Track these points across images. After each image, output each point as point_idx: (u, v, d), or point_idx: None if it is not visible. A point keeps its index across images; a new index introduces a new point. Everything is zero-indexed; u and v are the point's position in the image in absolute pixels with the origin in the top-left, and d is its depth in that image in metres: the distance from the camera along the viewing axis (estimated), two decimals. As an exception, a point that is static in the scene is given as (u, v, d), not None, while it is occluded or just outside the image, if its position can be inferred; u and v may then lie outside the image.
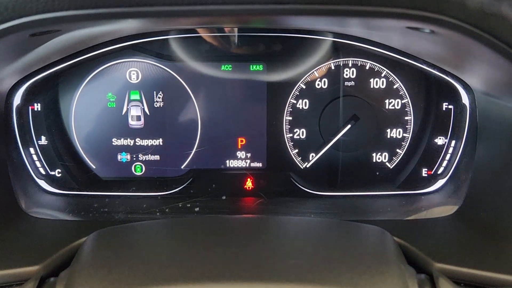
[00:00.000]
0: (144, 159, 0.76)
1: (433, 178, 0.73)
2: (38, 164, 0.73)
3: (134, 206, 0.71)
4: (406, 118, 0.74)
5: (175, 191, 0.75)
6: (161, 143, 0.75)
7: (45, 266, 0.54)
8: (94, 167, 0.76)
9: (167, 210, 0.69)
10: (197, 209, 0.69)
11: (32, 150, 0.72)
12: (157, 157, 0.76)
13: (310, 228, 0.58)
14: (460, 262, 0.51)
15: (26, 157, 0.71)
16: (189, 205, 0.71)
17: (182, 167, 0.76)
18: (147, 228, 0.59)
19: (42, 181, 0.72)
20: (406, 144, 0.74)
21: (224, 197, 0.74)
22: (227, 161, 0.76)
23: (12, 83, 0.66)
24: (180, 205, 0.70)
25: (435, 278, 0.48)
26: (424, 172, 0.74)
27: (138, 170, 0.76)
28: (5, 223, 0.62)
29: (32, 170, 0.71)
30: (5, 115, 0.67)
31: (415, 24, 0.45)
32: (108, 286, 0.44)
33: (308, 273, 0.46)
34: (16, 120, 0.69)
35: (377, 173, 0.75)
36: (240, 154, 0.75)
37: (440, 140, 0.73)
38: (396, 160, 0.75)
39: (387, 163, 0.75)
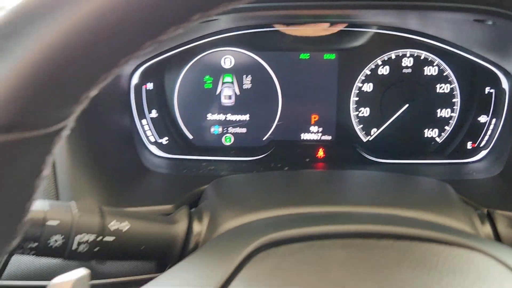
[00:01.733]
0: (233, 132, 0.91)
1: (477, 150, 0.87)
2: (149, 133, 0.89)
3: (226, 168, 0.86)
4: (453, 100, 0.88)
5: (259, 158, 0.90)
6: (247, 118, 0.91)
7: (176, 206, 0.69)
8: (191, 137, 0.91)
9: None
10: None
11: (144, 121, 0.88)
12: (244, 130, 0.91)
13: (380, 175, 0.73)
14: (507, 207, 0.64)
15: (140, 127, 0.87)
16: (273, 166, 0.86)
17: (264, 138, 0.91)
18: (257, 176, 0.74)
19: (153, 146, 0.89)
20: (453, 122, 0.89)
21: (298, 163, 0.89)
22: (302, 134, 0.91)
23: (134, 67, 0.82)
24: (272, 166, 0.86)
25: (491, 213, 0.61)
26: (469, 144, 0.88)
27: (228, 140, 0.92)
28: (135, 176, 0.77)
29: (145, 138, 0.88)
30: (127, 92, 0.83)
31: (484, 17, 0.59)
32: (246, 208, 0.59)
33: (384, 199, 0.59)
34: (134, 96, 0.85)
35: (428, 146, 0.90)
36: (313, 128, 0.91)
37: (482, 118, 0.87)
38: (445, 135, 0.90)
39: (436, 138, 0.90)
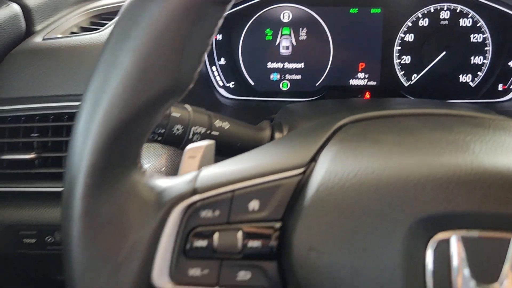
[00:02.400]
0: (289, 78, 1.04)
1: (507, 91, 0.99)
2: (218, 78, 1.02)
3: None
4: (486, 48, 1.00)
5: (312, 100, 1.03)
6: (302, 66, 1.04)
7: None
8: (253, 83, 1.05)
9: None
10: None
11: (214, 68, 1.02)
12: (299, 76, 1.04)
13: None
14: None
15: (211, 73, 1.01)
16: None
17: (317, 84, 1.04)
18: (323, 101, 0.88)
19: (222, 89, 1.02)
20: (485, 68, 1.01)
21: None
22: (350, 80, 1.04)
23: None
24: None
25: None
26: (500, 87, 1.00)
27: (285, 86, 1.05)
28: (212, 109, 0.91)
29: (215, 82, 1.02)
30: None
31: None
32: (323, 115, 0.71)
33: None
34: (205, 46, 0.99)
35: (463, 90, 1.02)
36: (360, 75, 1.03)
37: (512, 63, 0.99)
38: (478, 80, 1.01)
39: (470, 82, 1.02)
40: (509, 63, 0.99)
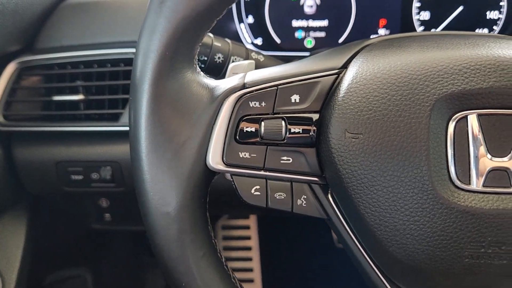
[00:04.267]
0: (313, 36, 1.10)
1: (522, 43, 1.04)
2: (246, 35, 1.09)
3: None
4: (501, 3, 1.05)
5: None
6: (326, 24, 1.10)
7: None
8: (279, 41, 1.11)
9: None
10: None
11: (242, 25, 1.08)
12: (323, 34, 1.10)
13: None
14: None
15: (240, 30, 1.07)
16: None
17: (340, 41, 1.10)
18: None
19: (250, 45, 1.09)
20: (501, 22, 1.06)
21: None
22: (372, 36, 1.09)
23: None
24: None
25: None
26: (514, 39, 1.05)
27: (309, 43, 1.11)
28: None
29: (244, 38, 1.08)
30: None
31: None
32: None
33: None
34: (236, 5, 1.06)
35: (479, 44, 1.07)
36: (381, 31, 1.09)
37: (526, 16, 1.04)
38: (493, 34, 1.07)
39: (486, 37, 1.07)
40: (524, 16, 1.03)
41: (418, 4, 1.07)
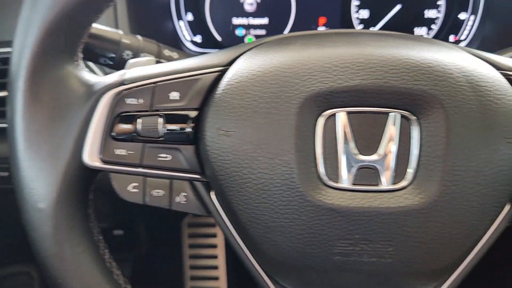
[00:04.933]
0: (254, 33, 1.10)
1: (458, 42, 1.05)
2: (185, 32, 1.09)
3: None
4: (438, 2, 1.05)
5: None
6: (266, 22, 1.09)
7: None
8: (220, 39, 1.11)
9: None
10: None
11: (181, 23, 1.08)
12: (263, 31, 1.10)
13: None
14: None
15: (179, 27, 1.07)
16: None
17: (280, 39, 1.10)
18: None
19: (189, 43, 1.09)
20: (439, 22, 1.06)
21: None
22: (312, 35, 1.09)
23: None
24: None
25: None
26: (451, 38, 1.06)
27: (249, 41, 1.11)
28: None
29: (183, 36, 1.08)
30: (169, -3, 1.03)
31: None
32: None
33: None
34: (174, 2, 1.05)
35: (418, 43, 1.07)
36: (321, 29, 1.09)
37: (462, 15, 1.04)
38: (432, 33, 1.07)
39: (425, 36, 1.07)
40: (459, 16, 1.04)
41: (357, 3, 1.07)
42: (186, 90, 0.51)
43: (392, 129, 0.46)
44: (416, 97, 0.46)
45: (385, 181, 0.46)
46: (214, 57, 0.54)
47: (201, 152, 0.50)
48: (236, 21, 1.10)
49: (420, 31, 1.06)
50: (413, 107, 0.46)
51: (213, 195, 0.51)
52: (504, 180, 0.46)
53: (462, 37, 1.04)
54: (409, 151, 0.46)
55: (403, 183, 0.46)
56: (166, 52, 0.72)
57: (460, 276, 0.51)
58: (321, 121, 0.47)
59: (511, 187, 0.47)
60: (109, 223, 1.39)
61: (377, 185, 0.46)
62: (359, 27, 1.07)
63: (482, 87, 0.47)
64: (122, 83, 0.51)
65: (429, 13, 1.05)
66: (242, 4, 1.08)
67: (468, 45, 1.03)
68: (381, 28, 1.07)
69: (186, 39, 1.08)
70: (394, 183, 0.46)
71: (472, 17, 1.03)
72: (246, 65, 0.50)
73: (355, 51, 0.48)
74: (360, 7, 1.07)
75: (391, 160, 0.46)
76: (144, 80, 0.51)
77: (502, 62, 0.51)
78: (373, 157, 0.46)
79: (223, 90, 0.49)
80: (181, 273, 1.58)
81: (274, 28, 1.09)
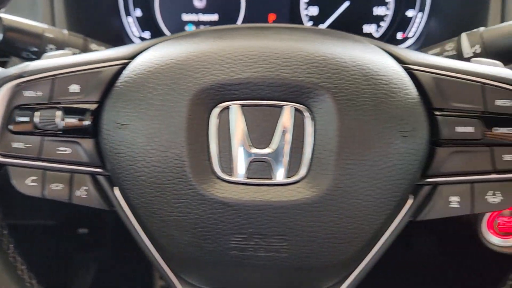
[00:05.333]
0: (204, 30, 1.09)
1: (406, 39, 1.05)
2: (134, 28, 1.07)
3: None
4: (387, 0, 1.05)
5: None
6: (216, 19, 1.09)
7: None
8: (169, 35, 1.10)
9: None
10: None
11: (130, 19, 1.07)
12: (213, 28, 1.09)
13: None
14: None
15: (127, 24, 1.06)
16: None
17: (230, 35, 1.09)
18: None
19: (137, 39, 1.08)
20: (388, 19, 1.06)
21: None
22: (262, 31, 1.09)
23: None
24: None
25: None
26: (399, 35, 1.06)
27: (200, 37, 1.10)
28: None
29: (131, 33, 1.07)
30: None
31: None
32: None
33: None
34: (122, -3, 1.04)
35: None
36: (271, 26, 1.08)
37: (410, 13, 1.04)
38: (381, 31, 1.07)
39: (374, 33, 1.07)
40: (407, 13, 1.04)
41: (306, 0, 1.07)
42: (86, 83, 0.50)
43: (285, 123, 0.46)
44: (308, 90, 0.45)
45: (279, 175, 0.46)
46: (119, 50, 0.53)
47: (100, 145, 0.49)
48: (185, 17, 1.09)
49: (369, 28, 1.06)
50: (306, 100, 0.46)
51: (116, 190, 0.51)
52: (400, 174, 0.46)
53: (410, 34, 1.04)
54: (303, 144, 0.46)
55: (297, 177, 0.46)
56: (93, 46, 0.72)
57: (362, 272, 0.51)
58: (214, 114, 0.46)
59: (409, 181, 0.47)
60: (67, 220, 1.37)
61: (271, 178, 0.46)
62: (308, 24, 1.07)
63: (378, 80, 0.46)
64: (20, 75, 0.50)
65: (378, 10, 1.05)
66: (191, 1, 1.08)
67: (416, 41, 1.03)
68: (330, 25, 1.06)
69: (134, 35, 1.07)
70: (288, 177, 0.46)
71: (419, 14, 1.03)
72: (147, 58, 0.49)
73: (251, 44, 0.48)
74: (309, 4, 1.07)
75: (285, 154, 0.46)
76: (44, 72, 0.50)
77: (406, 56, 0.51)
78: (266, 150, 0.46)
79: (121, 83, 0.48)
80: (150, 272, 1.57)
81: (224, 24, 1.08)
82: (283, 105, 0.46)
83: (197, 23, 1.08)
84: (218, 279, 0.50)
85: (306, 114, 0.46)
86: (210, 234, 0.46)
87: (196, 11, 1.08)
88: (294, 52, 0.46)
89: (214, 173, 0.46)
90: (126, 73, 0.49)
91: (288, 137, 0.46)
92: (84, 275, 1.53)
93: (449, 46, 0.70)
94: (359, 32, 1.06)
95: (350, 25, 1.06)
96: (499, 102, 0.48)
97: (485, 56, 0.69)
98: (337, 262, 0.48)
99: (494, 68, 0.50)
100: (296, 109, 0.46)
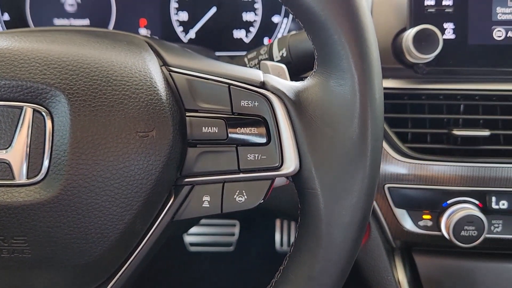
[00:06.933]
0: (76, 34, 1.09)
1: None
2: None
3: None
4: (256, 6, 1.07)
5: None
6: (88, 23, 1.09)
7: None
8: (41, 39, 1.09)
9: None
10: None
11: (-3, 23, 1.06)
12: (85, 33, 1.09)
13: None
14: None
15: (-7, 27, 1.05)
16: None
17: (103, 40, 1.10)
18: None
19: (4, 43, 1.06)
20: (257, 24, 1.08)
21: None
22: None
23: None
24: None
25: None
26: (266, 40, 1.08)
27: (72, 42, 1.10)
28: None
29: (-3, 36, 1.05)
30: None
31: None
32: None
33: None
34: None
35: (239, 46, 1.09)
36: (142, 31, 1.09)
37: (276, 19, 1.07)
38: (250, 36, 1.09)
39: (244, 38, 1.09)
40: (273, 19, 1.06)
41: (176, 5, 1.08)
42: None
43: (25, 124, 0.46)
44: (43, 91, 0.46)
45: (19, 176, 0.46)
46: None
47: None
48: (57, 21, 1.08)
49: (240, 33, 1.08)
50: (45, 102, 0.46)
51: None
52: (141, 174, 0.47)
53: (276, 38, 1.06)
54: (44, 145, 0.46)
55: (38, 178, 0.46)
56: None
57: (127, 271, 0.51)
58: None
59: (159, 181, 0.48)
60: None
61: (13, 179, 0.46)
62: (179, 29, 1.08)
63: (120, 82, 0.47)
64: None
65: (247, 16, 1.07)
66: (63, 5, 1.07)
67: (282, 47, 1.05)
68: (199, 30, 1.08)
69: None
70: (29, 178, 0.46)
71: (285, 20, 1.05)
72: None
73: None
74: (178, 9, 1.08)
75: (24, 155, 0.46)
76: None
77: (169, 58, 0.52)
78: (6, 152, 0.46)
79: None
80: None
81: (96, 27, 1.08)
82: (23, 106, 0.46)
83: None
84: None
85: (46, 115, 0.46)
86: None
87: (68, 15, 1.08)
88: (32, 52, 0.47)
89: None
90: None
91: (28, 138, 0.46)
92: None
93: (263, 50, 0.72)
94: (230, 38, 1.08)
95: (220, 30, 1.08)
96: (244, 103, 0.49)
97: (292, 60, 0.72)
98: (86, 263, 0.48)
99: (242, 69, 0.51)
100: (37, 110, 0.46)
